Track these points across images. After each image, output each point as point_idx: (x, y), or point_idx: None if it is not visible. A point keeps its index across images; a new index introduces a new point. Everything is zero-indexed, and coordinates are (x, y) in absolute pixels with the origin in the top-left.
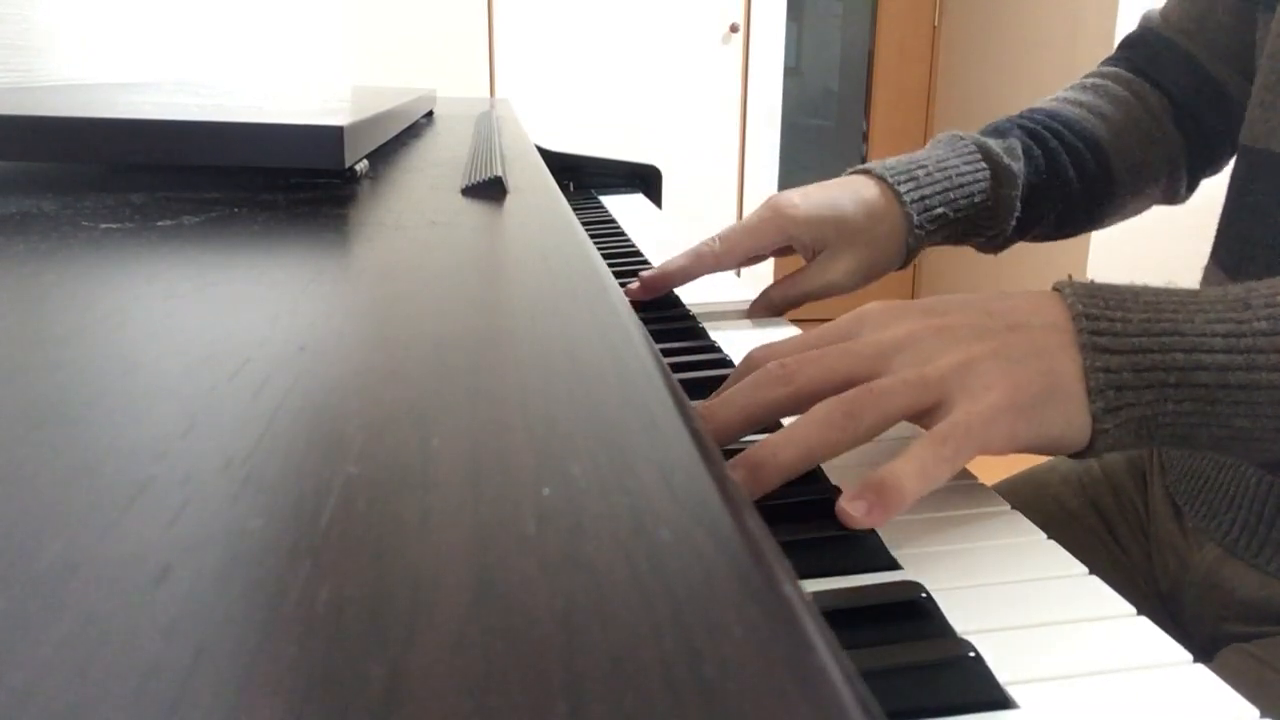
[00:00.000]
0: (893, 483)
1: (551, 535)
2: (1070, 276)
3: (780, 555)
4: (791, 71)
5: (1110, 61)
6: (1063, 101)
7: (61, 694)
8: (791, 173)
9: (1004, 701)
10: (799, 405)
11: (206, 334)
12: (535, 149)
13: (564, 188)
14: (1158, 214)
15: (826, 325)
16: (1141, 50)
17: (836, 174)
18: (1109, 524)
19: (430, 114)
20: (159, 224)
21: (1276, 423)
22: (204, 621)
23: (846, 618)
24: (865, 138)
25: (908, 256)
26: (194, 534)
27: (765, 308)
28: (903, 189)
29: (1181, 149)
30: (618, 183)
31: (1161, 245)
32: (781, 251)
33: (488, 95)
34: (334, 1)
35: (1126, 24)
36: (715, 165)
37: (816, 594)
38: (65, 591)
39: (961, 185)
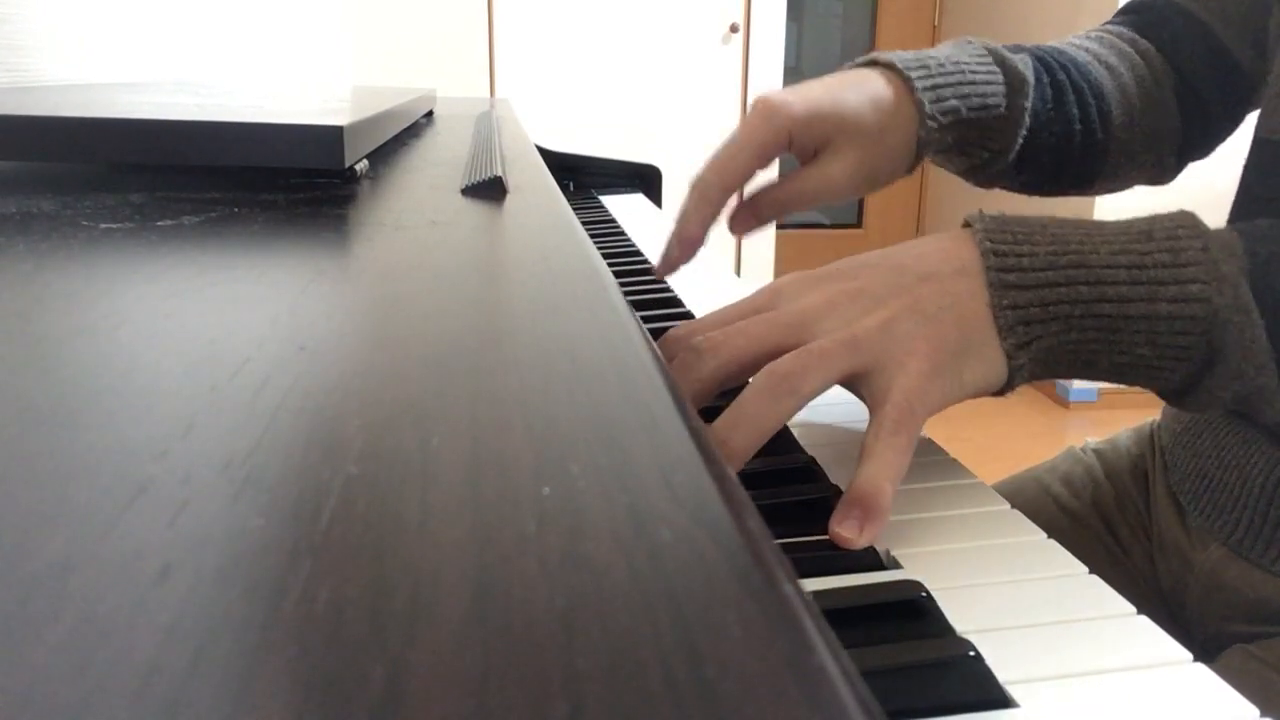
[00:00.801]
0: (872, 490)
1: (551, 535)
2: (980, 210)
3: (780, 555)
4: (791, 71)
5: (1114, 22)
6: (1070, 45)
7: (61, 694)
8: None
9: (1004, 701)
10: (728, 378)
11: (206, 334)
12: (535, 149)
13: (564, 188)
14: (1156, 201)
15: (742, 299)
16: (1147, 15)
17: None
18: (1110, 524)
19: (430, 114)
20: (159, 224)
21: (1175, 351)
22: (204, 621)
23: (846, 618)
24: None
25: (917, 156)
26: (194, 534)
27: (752, 215)
28: (914, 75)
29: (1177, 124)
30: (618, 183)
31: None
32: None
33: (488, 95)
34: (334, 1)
35: None
36: None
37: (816, 594)
38: (65, 591)
39: (975, 82)
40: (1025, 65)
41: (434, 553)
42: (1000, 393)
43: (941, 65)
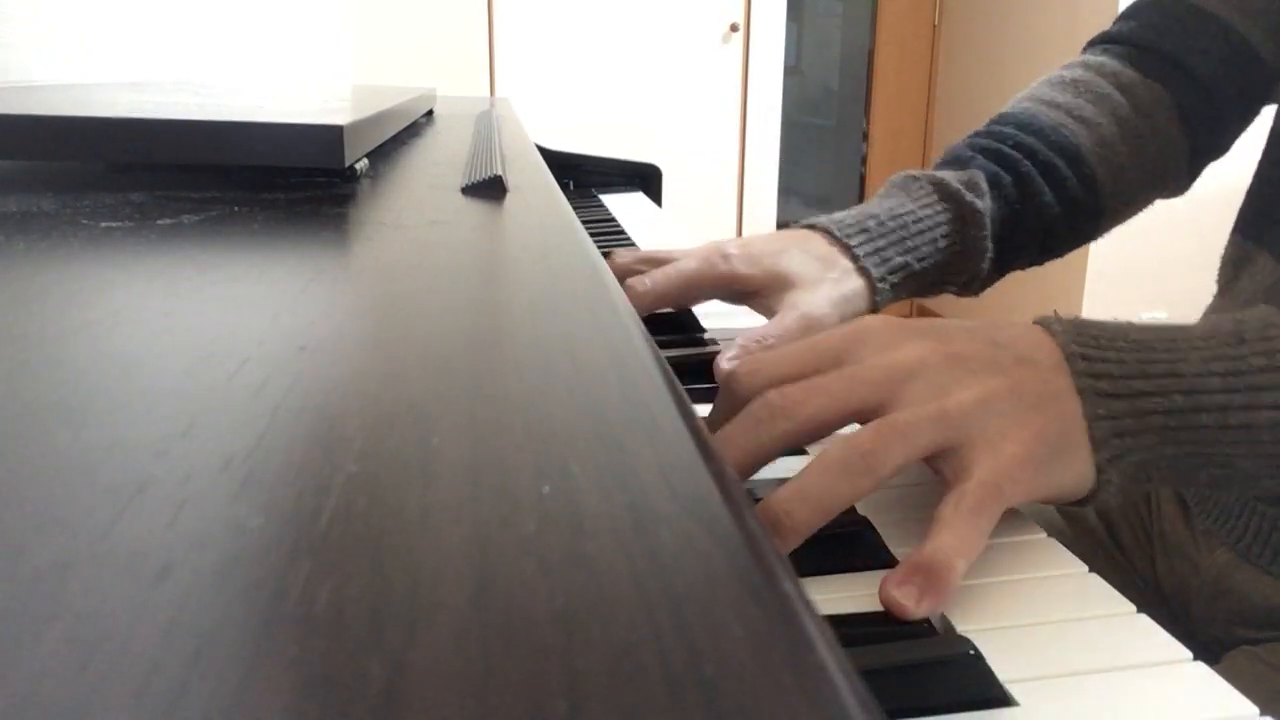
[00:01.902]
0: (942, 561)
1: (551, 534)
2: (1055, 312)
3: (780, 555)
4: (791, 71)
5: (1100, 42)
6: (1038, 103)
7: (61, 694)
8: (791, 172)
9: (1004, 699)
10: (806, 439)
11: (206, 334)
12: (535, 148)
13: (564, 187)
14: (1158, 202)
15: (821, 338)
16: (1155, 17)
17: (836, 173)
18: (1110, 526)
19: (430, 113)
20: (159, 223)
21: (1276, 460)
22: (204, 621)
23: (846, 617)
24: (865, 137)
25: (874, 309)
26: (194, 533)
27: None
28: (854, 242)
29: (1182, 144)
30: (618, 182)
31: (1163, 233)
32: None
33: (488, 95)
34: (334, 1)
35: None
36: (715, 165)
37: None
38: (65, 591)
39: (921, 232)
40: (976, 188)
41: (434, 552)
42: (1081, 503)
43: (881, 224)
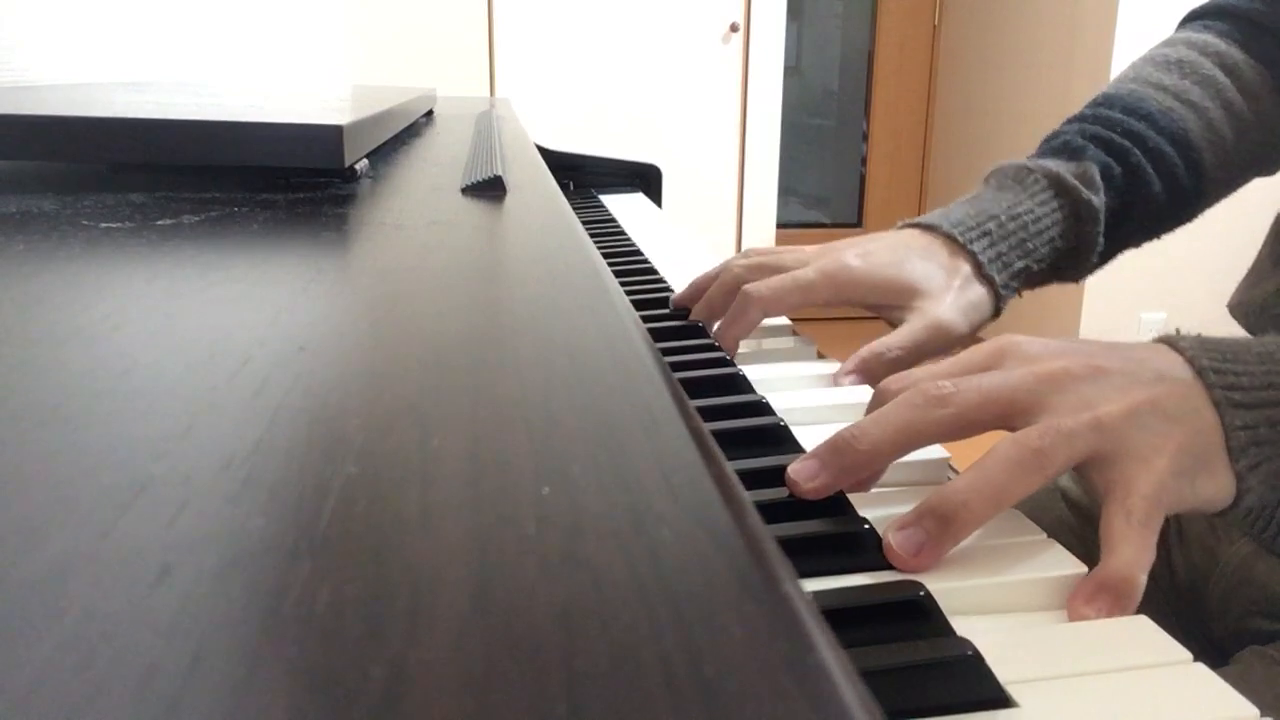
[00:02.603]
0: (1128, 576)
1: (551, 535)
2: (1178, 330)
3: (780, 555)
4: (791, 71)
5: (1199, 23)
6: (1145, 84)
7: (61, 694)
8: (791, 172)
9: (1004, 700)
10: (954, 431)
11: (206, 334)
12: (535, 148)
13: (564, 187)
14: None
15: (967, 353)
16: (1229, 20)
17: (836, 174)
18: None
19: (430, 113)
20: (159, 223)
21: None
22: (204, 621)
23: (846, 618)
24: (865, 137)
25: (996, 313)
26: (194, 534)
27: (863, 373)
28: (977, 248)
29: None
30: (618, 182)
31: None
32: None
33: (488, 95)
34: (334, 1)
35: (1126, 23)
36: (715, 165)
37: (816, 594)
38: (65, 591)
39: (1039, 232)
40: (1090, 181)
41: (434, 553)
42: (1223, 514)
43: (1003, 226)
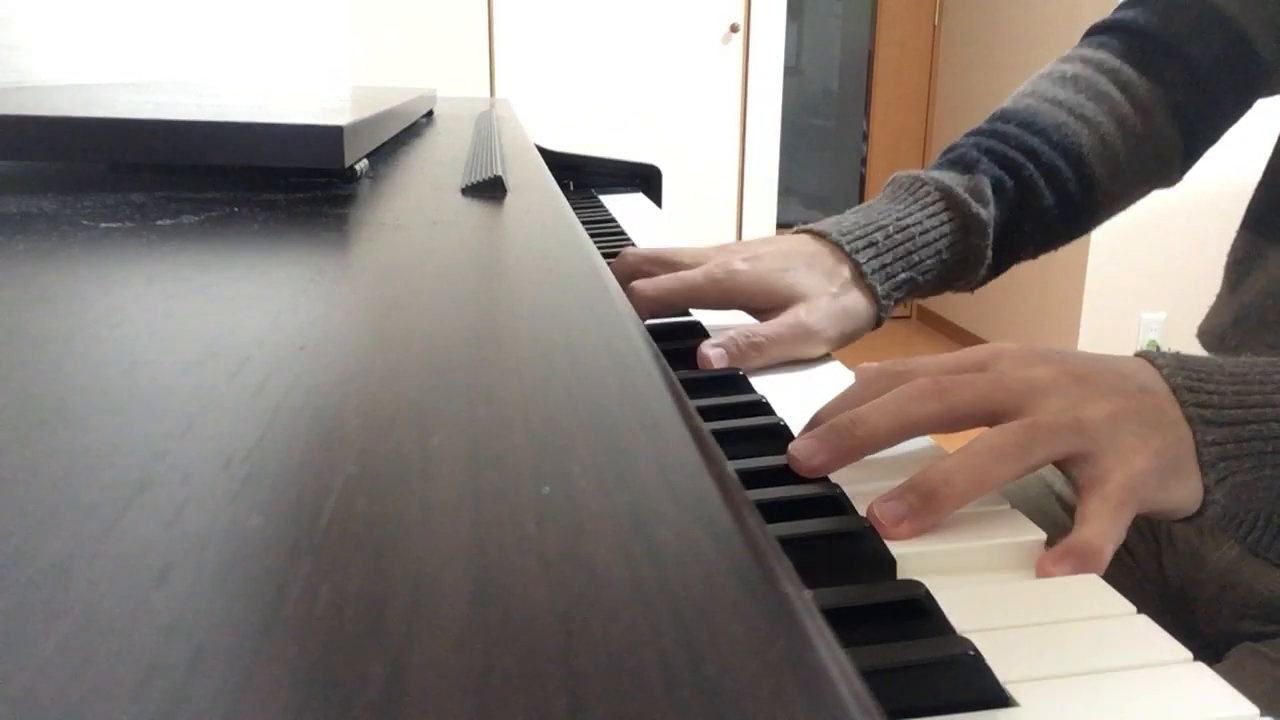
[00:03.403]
0: (1096, 546)
1: (551, 534)
2: (1156, 345)
3: (780, 555)
4: (791, 71)
5: (1100, 31)
6: (1039, 99)
7: (61, 694)
8: (791, 172)
9: (1004, 700)
10: (946, 424)
11: (206, 333)
12: (535, 149)
13: (564, 187)
14: (1157, 200)
15: (958, 353)
16: (1160, 5)
17: (836, 173)
18: None
19: (430, 114)
20: (159, 224)
21: None
22: (204, 621)
23: (846, 618)
24: (865, 138)
25: (878, 322)
26: (194, 533)
27: (729, 356)
28: (861, 259)
29: (1176, 141)
30: (618, 182)
31: (1163, 232)
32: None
33: (488, 95)
34: (334, 1)
35: None
36: (715, 165)
37: (816, 594)
38: (65, 591)
39: (926, 244)
40: (981, 195)
41: (434, 552)
42: (1189, 520)
43: (890, 237)
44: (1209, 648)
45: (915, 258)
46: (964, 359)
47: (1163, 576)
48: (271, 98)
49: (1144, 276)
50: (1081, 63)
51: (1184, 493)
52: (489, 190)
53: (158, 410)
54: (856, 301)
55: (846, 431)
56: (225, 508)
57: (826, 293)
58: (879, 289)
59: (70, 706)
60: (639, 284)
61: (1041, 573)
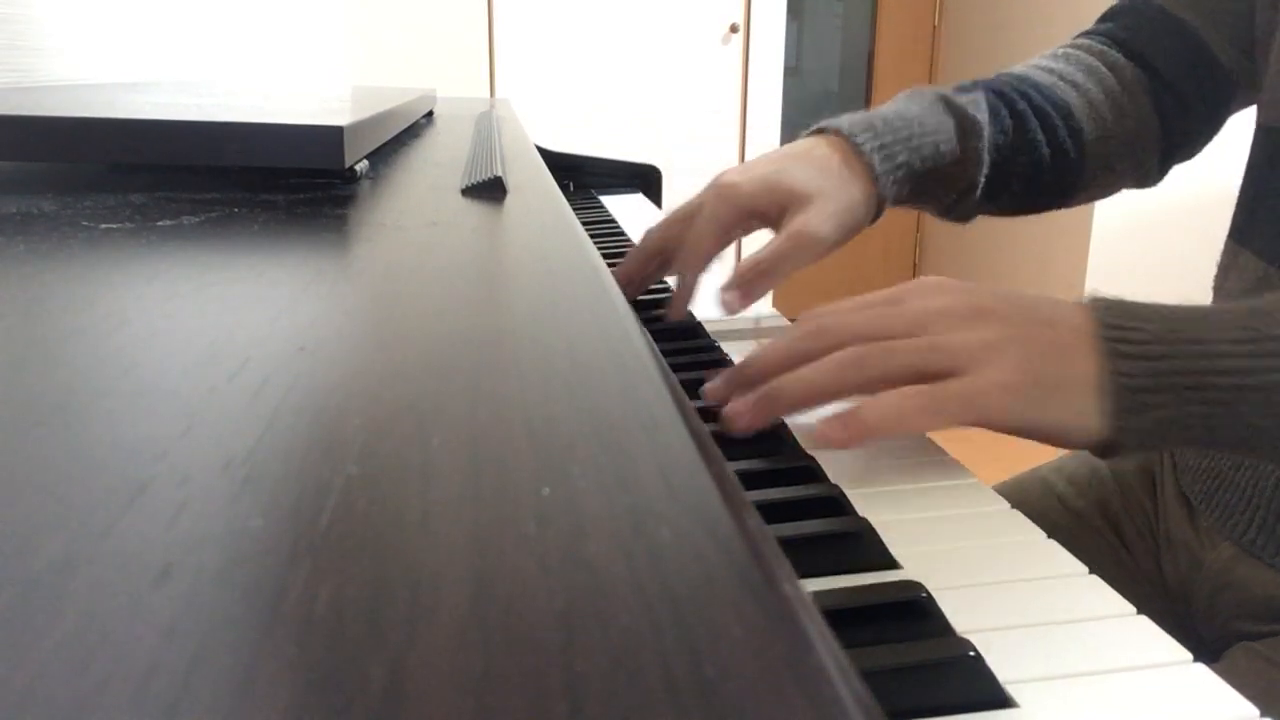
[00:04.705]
0: (860, 416)
1: (551, 535)
2: (1097, 290)
3: (780, 555)
4: (791, 71)
5: (1086, 34)
6: (1032, 68)
7: (61, 694)
8: None
9: (1004, 701)
10: (865, 390)
11: (206, 334)
12: (535, 149)
13: (564, 188)
14: (1157, 204)
15: (879, 292)
16: (1129, 19)
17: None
18: (1115, 524)
19: (430, 114)
20: (159, 224)
21: None
22: (204, 621)
23: (846, 618)
24: None
25: (878, 210)
26: (194, 534)
27: (743, 293)
28: (860, 139)
29: (1156, 129)
30: (618, 183)
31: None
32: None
33: (488, 95)
34: (334, 1)
35: None
36: (715, 165)
37: (816, 594)
38: (65, 591)
39: (925, 134)
40: (977, 105)
41: (434, 553)
42: (1105, 455)
43: (888, 122)
44: (1206, 648)
45: (914, 142)
46: (880, 296)
47: (1161, 577)
48: (272, 98)
49: (1144, 276)
50: (1072, 47)
51: (1072, 417)
52: (489, 191)
53: (158, 411)
54: (855, 191)
55: (774, 401)
56: (225, 508)
57: (824, 191)
58: (879, 168)
59: (70, 706)
60: (677, 255)
61: (819, 433)
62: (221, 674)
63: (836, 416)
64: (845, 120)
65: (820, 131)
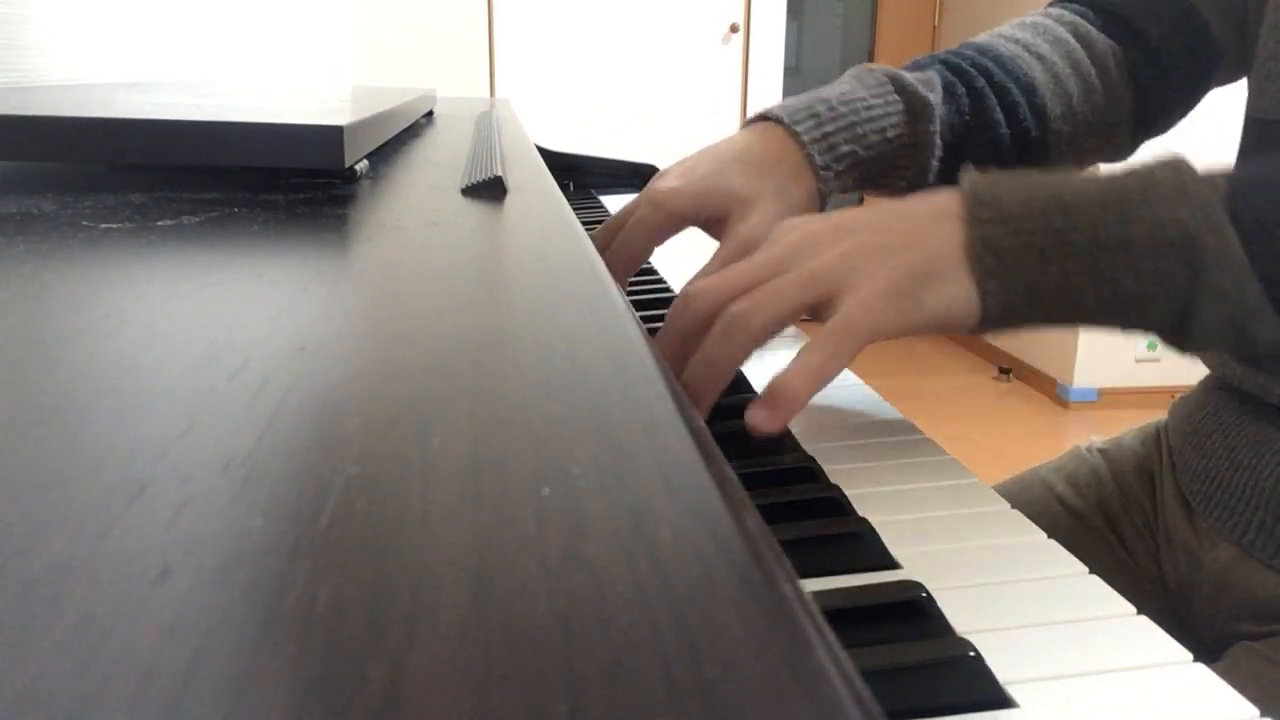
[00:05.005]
0: (781, 386)
1: (551, 535)
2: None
3: (780, 555)
4: (791, 71)
5: (1060, 2)
6: (997, 37)
7: (61, 694)
8: None
9: (1004, 701)
10: (710, 316)
11: (206, 334)
12: (535, 149)
13: (564, 188)
14: None
15: (747, 249)
16: (1089, 5)
17: None
18: (1114, 524)
19: (430, 114)
20: (159, 224)
21: (1156, 277)
22: (204, 621)
23: (846, 618)
24: None
25: (822, 202)
26: (194, 534)
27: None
28: (801, 129)
29: (1129, 102)
30: (618, 183)
31: None
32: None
33: (488, 95)
34: (334, 1)
35: None
36: None
37: (816, 594)
38: (65, 591)
39: (871, 119)
40: (930, 85)
41: (434, 553)
42: (981, 330)
43: (833, 109)
44: (1206, 648)
45: (859, 130)
46: (747, 250)
47: (1161, 577)
48: (271, 98)
49: None
50: (1043, 16)
51: (949, 299)
52: (489, 191)
53: (158, 411)
54: (798, 191)
55: (696, 396)
56: (225, 508)
57: (763, 194)
58: (819, 160)
59: (70, 706)
60: (607, 252)
61: (750, 423)
62: (221, 674)
63: (760, 403)
64: (789, 107)
65: (762, 117)
